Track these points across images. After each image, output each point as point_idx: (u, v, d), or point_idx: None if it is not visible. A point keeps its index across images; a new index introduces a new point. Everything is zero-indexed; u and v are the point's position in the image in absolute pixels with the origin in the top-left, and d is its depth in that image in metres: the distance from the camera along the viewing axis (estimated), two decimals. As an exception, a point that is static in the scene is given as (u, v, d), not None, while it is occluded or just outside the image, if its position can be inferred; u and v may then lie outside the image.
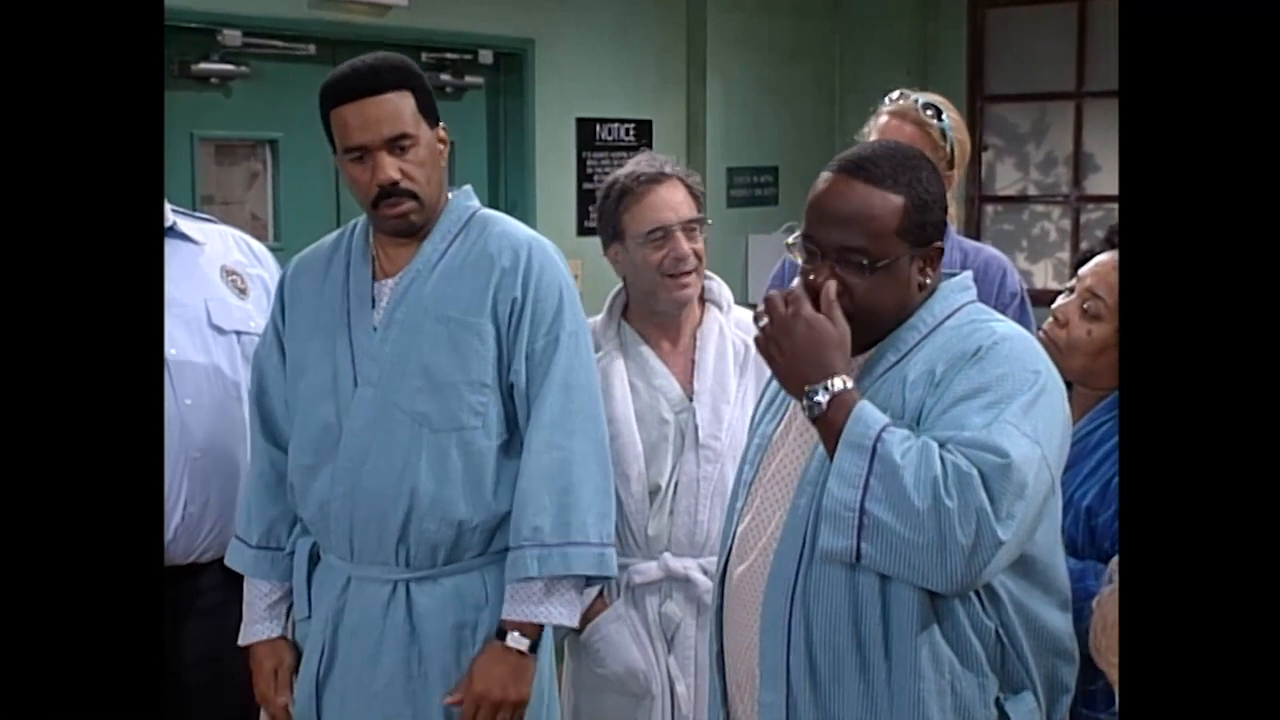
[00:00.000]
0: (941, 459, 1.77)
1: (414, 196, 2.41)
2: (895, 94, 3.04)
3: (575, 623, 2.50)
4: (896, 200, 1.92)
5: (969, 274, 2.02)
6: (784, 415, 2.09)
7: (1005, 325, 1.95)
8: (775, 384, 2.15)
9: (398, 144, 2.38)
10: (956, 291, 1.98)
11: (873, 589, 1.89)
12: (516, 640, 2.42)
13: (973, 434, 1.79)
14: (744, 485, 2.10)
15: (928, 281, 1.96)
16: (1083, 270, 2.40)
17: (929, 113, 2.97)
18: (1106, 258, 2.39)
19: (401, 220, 2.43)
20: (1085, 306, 2.36)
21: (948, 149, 2.97)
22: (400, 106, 2.39)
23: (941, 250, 1.98)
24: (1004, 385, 1.84)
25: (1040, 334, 2.45)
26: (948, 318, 1.95)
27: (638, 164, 2.81)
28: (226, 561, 2.64)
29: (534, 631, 2.43)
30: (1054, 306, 2.44)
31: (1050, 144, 6.55)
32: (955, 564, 1.76)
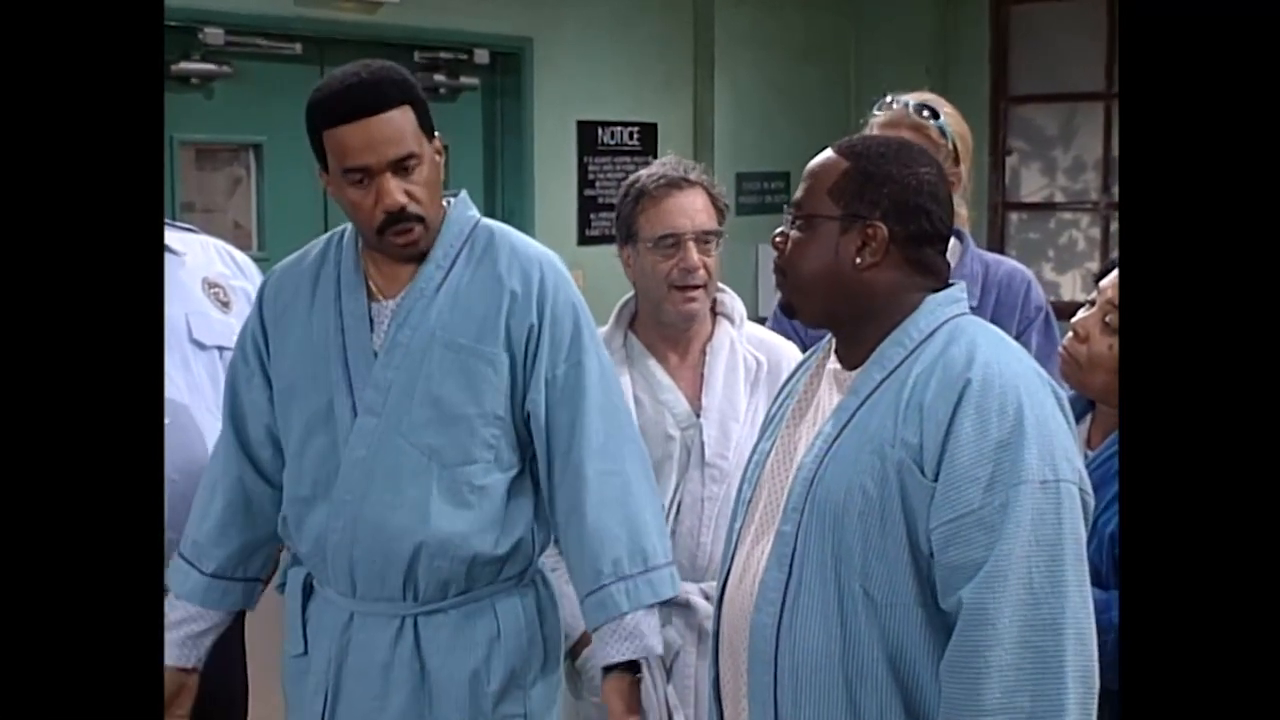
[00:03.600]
0: None
1: (421, 220, 2.40)
2: (886, 99, 3.07)
3: (661, 648, 2.54)
4: (841, 163, 2.03)
5: (961, 286, 2.04)
6: (778, 434, 2.12)
7: (981, 353, 1.93)
8: (779, 401, 2.22)
9: (403, 165, 2.36)
10: (944, 305, 2.01)
11: (862, 625, 1.91)
12: (636, 674, 2.47)
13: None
14: (743, 504, 2.13)
15: (859, 260, 1.98)
16: (1103, 282, 2.43)
17: (924, 113, 3.00)
18: None
19: (411, 247, 2.43)
20: (1107, 320, 2.39)
21: (950, 145, 2.98)
22: (403, 124, 2.36)
23: (876, 234, 1.99)
24: (1005, 473, 1.85)
25: (1060, 350, 2.50)
26: (933, 333, 1.98)
27: (663, 165, 2.83)
28: (167, 579, 2.57)
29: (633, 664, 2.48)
30: (1074, 320, 2.46)
31: (1078, 147, 6.60)
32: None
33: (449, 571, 2.44)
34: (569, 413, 2.45)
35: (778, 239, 2.07)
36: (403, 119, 2.37)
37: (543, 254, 2.53)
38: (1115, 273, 2.42)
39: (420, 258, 2.47)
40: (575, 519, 2.45)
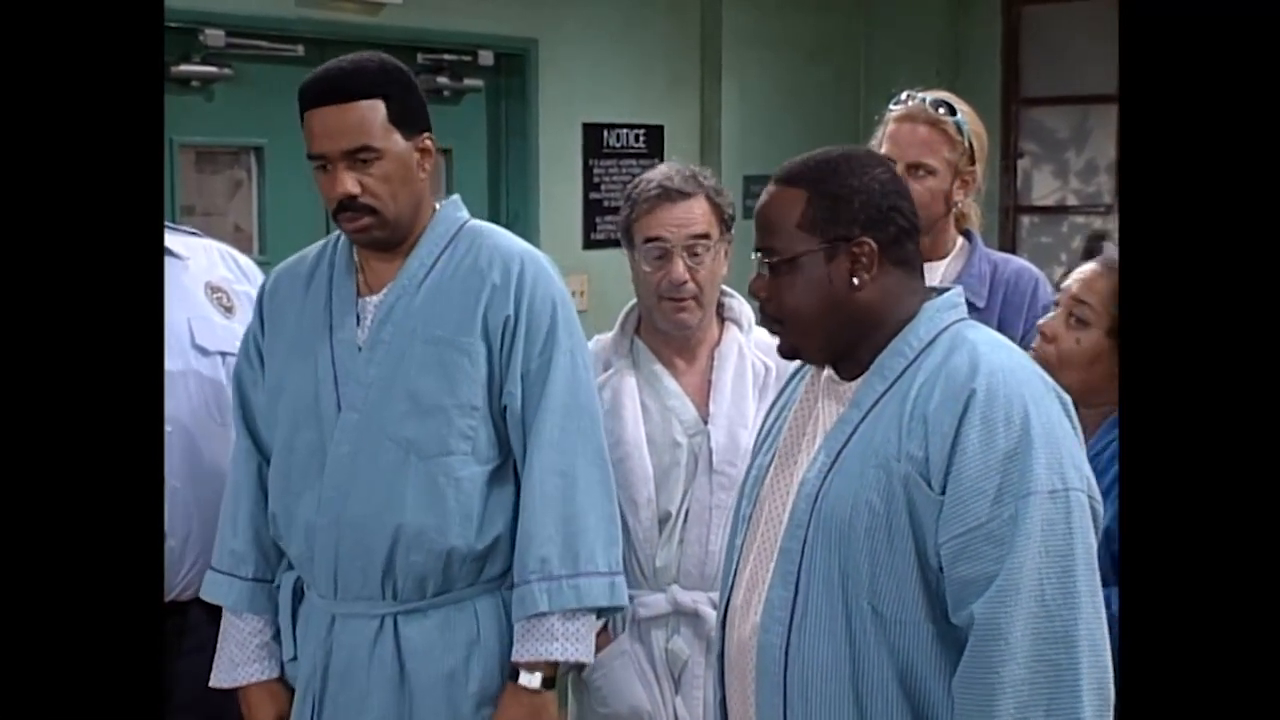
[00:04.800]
0: None
1: (373, 212, 2.44)
2: (903, 95, 3.09)
3: (591, 658, 2.54)
4: (797, 194, 2.01)
5: (958, 291, 2.06)
6: (776, 448, 2.13)
7: (985, 361, 1.93)
8: (774, 413, 2.22)
9: (358, 156, 2.42)
10: (943, 310, 2.02)
11: (871, 643, 1.92)
12: (528, 679, 2.47)
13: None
14: (743, 520, 2.13)
15: (856, 281, 1.98)
16: (1065, 282, 2.53)
17: (940, 110, 3.02)
18: (1089, 266, 2.54)
19: (362, 235, 2.48)
20: (1072, 314, 2.47)
21: (965, 143, 3.01)
22: (367, 117, 2.42)
23: (864, 249, 1.98)
24: (1013, 484, 1.84)
25: (1031, 352, 2.51)
26: (933, 340, 1.98)
27: (665, 171, 2.84)
28: (206, 595, 2.65)
29: (548, 668, 2.48)
30: (1039, 323, 2.54)
31: (1091, 150, 6.59)
32: None
33: (426, 567, 2.46)
34: (531, 407, 2.48)
35: (760, 291, 2.05)
36: (368, 111, 2.43)
37: (525, 250, 2.57)
38: (1076, 271, 2.53)
39: (397, 250, 2.52)
40: (519, 512, 2.48)
